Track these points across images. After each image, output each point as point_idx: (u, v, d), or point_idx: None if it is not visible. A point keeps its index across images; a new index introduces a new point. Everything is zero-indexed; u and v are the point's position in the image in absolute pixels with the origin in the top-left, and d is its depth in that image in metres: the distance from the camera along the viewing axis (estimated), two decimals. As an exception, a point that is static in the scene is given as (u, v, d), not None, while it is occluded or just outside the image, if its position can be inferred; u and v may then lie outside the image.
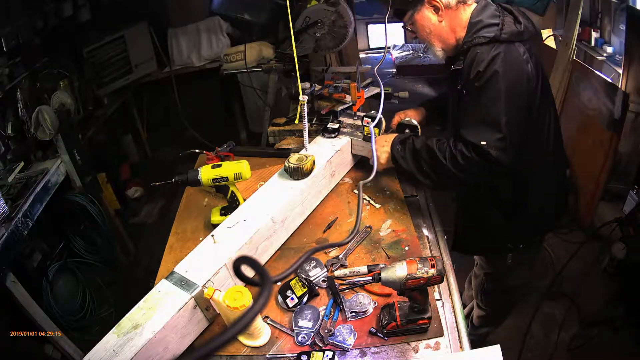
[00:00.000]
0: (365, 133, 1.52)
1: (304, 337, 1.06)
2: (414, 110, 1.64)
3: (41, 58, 2.44)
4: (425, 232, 1.39)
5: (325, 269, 1.23)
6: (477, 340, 1.95)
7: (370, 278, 1.03)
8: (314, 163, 1.41)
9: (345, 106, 1.73)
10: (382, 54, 1.62)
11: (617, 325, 2.08)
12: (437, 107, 1.64)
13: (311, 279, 1.20)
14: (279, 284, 1.20)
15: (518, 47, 1.19)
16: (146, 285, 1.17)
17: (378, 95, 1.62)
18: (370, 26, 5.79)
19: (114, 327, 0.99)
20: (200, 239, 1.41)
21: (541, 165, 1.37)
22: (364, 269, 1.17)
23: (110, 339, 0.96)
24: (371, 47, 5.92)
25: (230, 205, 1.42)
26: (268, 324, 1.11)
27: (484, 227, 1.52)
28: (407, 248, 1.29)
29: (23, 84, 2.26)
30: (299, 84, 1.44)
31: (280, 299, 1.16)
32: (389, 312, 1.05)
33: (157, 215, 3.29)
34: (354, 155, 1.64)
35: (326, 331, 1.06)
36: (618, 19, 2.82)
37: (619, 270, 2.25)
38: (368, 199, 1.50)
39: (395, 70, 5.38)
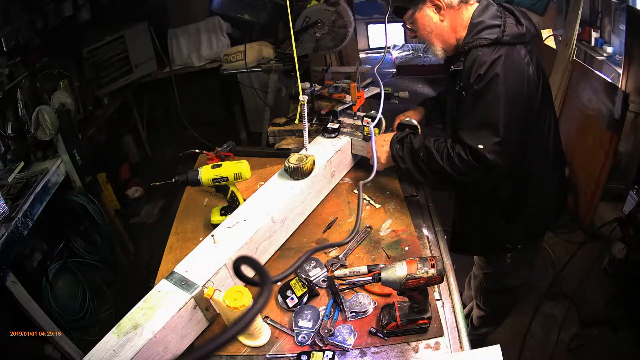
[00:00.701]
0: (365, 133, 1.52)
1: (304, 337, 1.06)
2: (414, 110, 1.64)
3: (41, 58, 2.44)
4: (425, 232, 1.39)
5: (325, 269, 1.23)
6: (477, 340, 1.95)
7: (370, 278, 1.03)
8: (314, 163, 1.41)
9: (345, 106, 1.73)
10: (382, 54, 1.62)
11: (617, 325, 2.08)
12: (438, 106, 1.63)
13: (311, 279, 1.20)
14: (279, 284, 1.20)
15: (519, 49, 1.19)
16: (146, 285, 1.17)
17: (378, 95, 1.62)
18: (370, 26, 5.79)
19: (114, 327, 0.99)
20: (200, 239, 1.41)
21: (540, 166, 1.37)
22: (364, 269, 1.17)
23: (110, 339, 0.96)
24: (371, 47, 5.92)
25: (230, 205, 1.42)
26: (268, 324, 1.11)
27: (483, 227, 1.51)
28: (407, 248, 1.29)
29: (23, 84, 2.26)
30: (299, 84, 1.44)
31: (280, 299, 1.16)
32: (389, 312, 1.05)
33: (157, 215, 3.29)
34: (354, 155, 1.64)
35: (326, 331, 1.06)
36: (618, 19, 2.82)
37: (619, 270, 2.25)
38: (368, 199, 1.50)
39: (395, 70, 5.38)
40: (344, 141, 1.57)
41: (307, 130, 1.44)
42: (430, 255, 1.27)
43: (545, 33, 3.23)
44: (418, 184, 1.56)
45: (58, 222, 2.36)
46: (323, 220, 1.44)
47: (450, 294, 1.17)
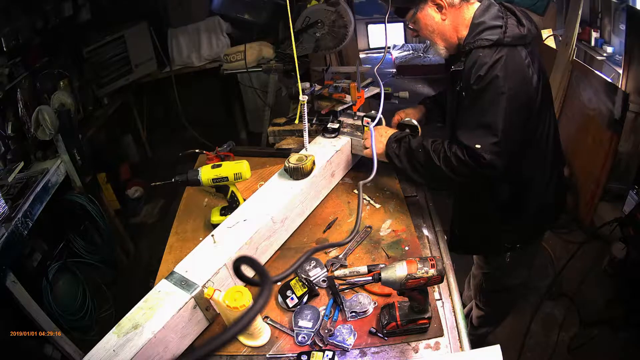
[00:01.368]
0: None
1: (304, 337, 1.06)
2: (414, 108, 1.64)
3: (41, 58, 2.45)
4: (425, 232, 1.39)
5: (325, 269, 1.23)
6: (477, 340, 1.94)
7: (370, 278, 1.03)
8: (314, 163, 1.41)
9: (345, 106, 1.72)
10: (382, 54, 1.61)
11: (617, 325, 2.08)
12: (438, 105, 1.63)
13: (311, 279, 1.20)
14: (279, 284, 1.20)
15: (520, 50, 1.19)
16: (146, 285, 1.17)
17: (378, 95, 1.61)
18: (370, 26, 5.79)
19: (114, 327, 0.99)
20: (200, 239, 1.41)
21: (540, 166, 1.37)
22: (364, 269, 1.17)
23: (110, 339, 0.96)
24: (371, 47, 5.93)
25: (230, 205, 1.42)
26: (268, 324, 1.11)
27: (482, 226, 1.51)
28: (407, 248, 1.29)
29: (23, 84, 2.26)
30: (299, 84, 1.44)
31: (280, 299, 1.16)
32: (389, 312, 1.05)
33: (157, 215, 3.29)
34: (354, 155, 1.64)
35: (326, 331, 1.06)
36: (618, 19, 2.82)
37: (619, 270, 2.25)
38: (368, 199, 1.50)
39: (395, 70, 5.38)
40: (344, 141, 1.57)
41: (307, 130, 1.44)
42: (430, 255, 1.27)
43: (545, 33, 3.23)
44: (416, 183, 1.56)
45: (58, 222, 2.35)
46: (323, 220, 1.44)
47: (450, 294, 1.17)
